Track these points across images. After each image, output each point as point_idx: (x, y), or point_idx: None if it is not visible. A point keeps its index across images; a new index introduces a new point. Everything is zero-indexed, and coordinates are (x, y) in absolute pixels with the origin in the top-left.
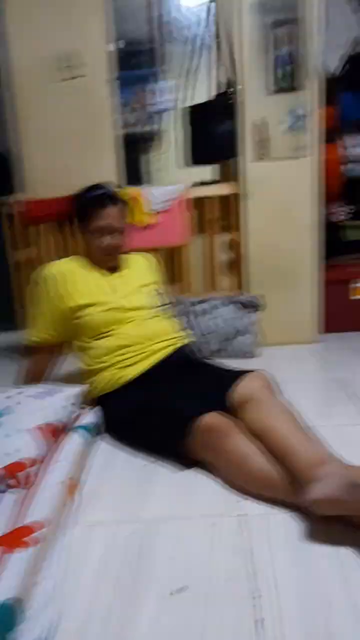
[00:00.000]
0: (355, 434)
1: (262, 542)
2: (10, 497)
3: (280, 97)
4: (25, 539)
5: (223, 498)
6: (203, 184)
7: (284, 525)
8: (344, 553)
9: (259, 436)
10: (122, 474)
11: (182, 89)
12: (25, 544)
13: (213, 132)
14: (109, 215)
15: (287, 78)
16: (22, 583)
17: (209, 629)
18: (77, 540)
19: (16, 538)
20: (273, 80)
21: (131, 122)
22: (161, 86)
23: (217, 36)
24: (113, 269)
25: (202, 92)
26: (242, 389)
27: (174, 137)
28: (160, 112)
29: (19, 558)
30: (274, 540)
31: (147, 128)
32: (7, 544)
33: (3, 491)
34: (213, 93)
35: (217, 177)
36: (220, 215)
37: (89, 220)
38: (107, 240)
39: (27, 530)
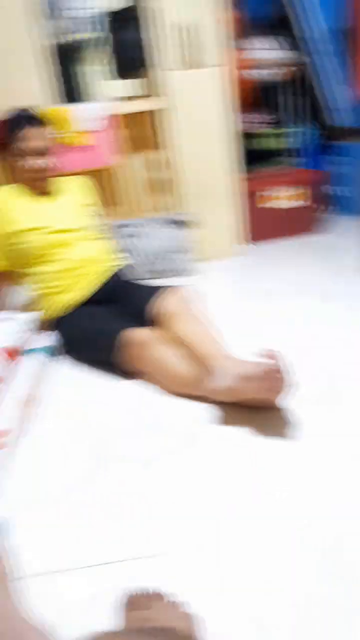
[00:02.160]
0: (266, 329)
1: None
2: None
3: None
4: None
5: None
6: (129, 98)
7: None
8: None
9: (176, 343)
10: (76, 389)
11: None
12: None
13: (133, 39)
14: (31, 135)
15: None
16: None
17: None
18: (38, 444)
19: None
20: None
21: (61, 30)
22: None
23: None
24: (48, 193)
25: None
26: (158, 304)
27: (101, 46)
28: (90, 18)
29: None
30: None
31: (77, 37)
32: None
33: None
34: None
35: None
36: (145, 133)
37: (12, 144)
38: (30, 161)
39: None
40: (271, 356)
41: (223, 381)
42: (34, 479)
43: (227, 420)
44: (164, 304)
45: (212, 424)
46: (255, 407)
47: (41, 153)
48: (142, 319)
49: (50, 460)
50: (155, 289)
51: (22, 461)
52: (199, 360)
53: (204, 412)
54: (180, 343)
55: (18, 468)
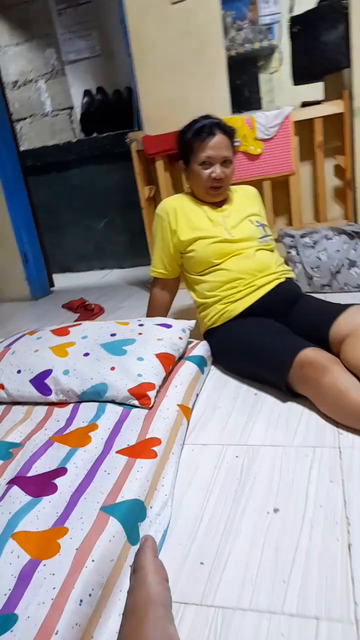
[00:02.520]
0: None
1: (357, 474)
2: (135, 414)
3: None
4: (153, 448)
5: (323, 430)
6: (306, 104)
7: None
8: None
9: (357, 370)
10: (229, 401)
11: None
12: (154, 454)
13: (318, 42)
14: (218, 144)
15: None
16: (148, 486)
17: (299, 548)
18: (188, 458)
19: (144, 447)
20: None
21: (238, 41)
22: None
23: None
24: (218, 203)
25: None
26: (343, 323)
27: (279, 54)
28: (271, 27)
29: (147, 464)
30: None
31: (256, 46)
32: (136, 452)
33: (129, 409)
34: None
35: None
36: (326, 139)
37: (195, 151)
38: (217, 170)
39: (152, 441)
40: None
41: None
42: (178, 500)
43: None
44: (349, 324)
45: None
46: None
47: (228, 162)
48: (318, 337)
49: (195, 483)
50: (334, 306)
51: (170, 475)
52: None
53: None
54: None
55: (165, 481)
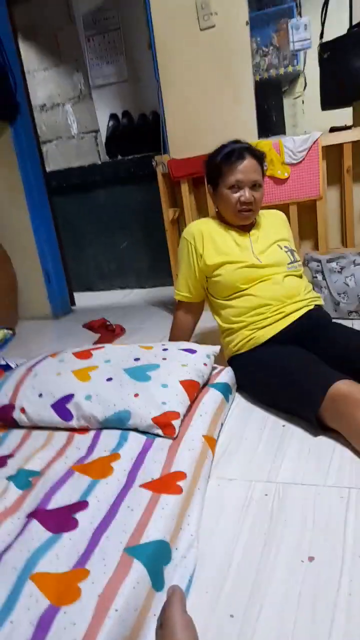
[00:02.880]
0: None
1: None
2: (159, 444)
3: None
4: (179, 483)
5: (358, 468)
6: (334, 129)
7: None
8: None
9: None
10: (255, 432)
11: (317, 25)
12: (179, 489)
13: (348, 68)
14: (248, 168)
15: None
16: (173, 525)
17: (338, 605)
18: (214, 494)
19: (170, 482)
20: None
21: (263, 67)
22: (295, 24)
23: None
24: (246, 227)
25: (338, 27)
26: None
27: (305, 79)
28: (296, 53)
29: (172, 501)
30: None
31: (280, 71)
32: (161, 487)
33: (153, 439)
34: (346, 27)
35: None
36: (355, 164)
37: (225, 176)
38: (246, 194)
39: (177, 475)
40: None
41: None
42: (204, 541)
43: None
44: None
45: None
46: None
47: (257, 186)
48: (349, 368)
49: (221, 523)
50: None
51: (196, 513)
52: None
53: None
54: None
55: (191, 519)
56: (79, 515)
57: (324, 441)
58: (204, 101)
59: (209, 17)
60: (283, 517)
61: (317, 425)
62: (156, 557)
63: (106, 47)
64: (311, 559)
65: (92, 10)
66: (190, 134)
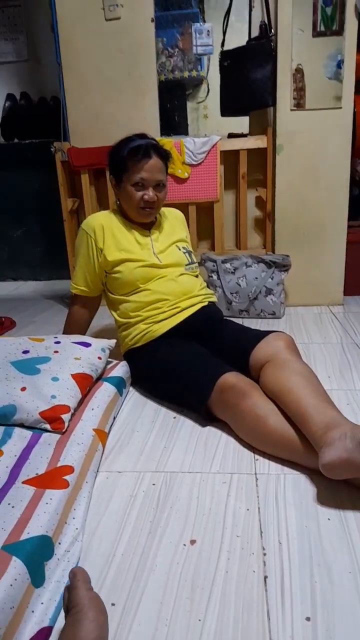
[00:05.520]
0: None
1: (272, 501)
2: (46, 439)
3: (320, 41)
4: (65, 477)
5: (240, 456)
6: (232, 135)
7: (295, 485)
8: (349, 516)
9: (276, 397)
10: (147, 425)
11: (220, 34)
12: (65, 483)
13: (246, 79)
14: (153, 167)
15: (327, 21)
16: (57, 520)
17: (215, 584)
18: (102, 487)
19: (55, 476)
20: (312, 22)
21: (168, 68)
22: (199, 28)
23: None
24: (148, 225)
25: (238, 37)
26: (264, 349)
27: (208, 85)
28: (198, 57)
29: (57, 495)
30: (284, 500)
31: (184, 74)
32: (46, 482)
33: (40, 434)
34: (246, 38)
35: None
36: (250, 171)
37: (130, 172)
38: (149, 193)
39: (64, 470)
40: None
41: (339, 452)
42: (90, 533)
43: (339, 501)
44: (268, 350)
45: (322, 502)
46: None
47: (161, 186)
48: (238, 362)
49: (108, 514)
50: (255, 332)
51: (83, 506)
52: (302, 422)
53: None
54: (278, 395)
55: (77, 513)
56: None
57: (211, 431)
58: (108, 92)
59: (115, 8)
60: (169, 505)
61: (205, 416)
62: (36, 553)
63: (5, 22)
64: (193, 542)
65: None
66: (92, 124)
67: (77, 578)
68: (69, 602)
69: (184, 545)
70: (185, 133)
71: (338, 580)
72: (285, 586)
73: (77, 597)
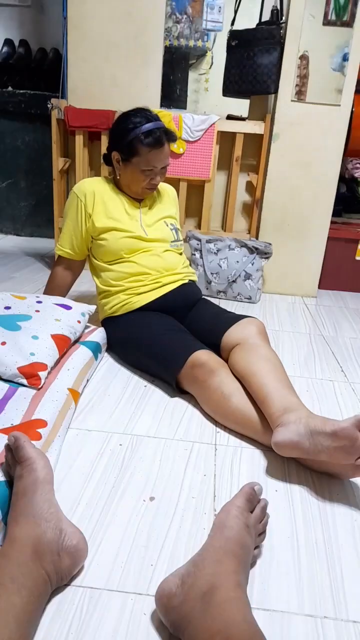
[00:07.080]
0: (330, 388)
1: (228, 470)
2: (22, 393)
3: (329, 30)
4: (39, 430)
5: (203, 427)
6: (231, 117)
7: (250, 458)
8: (295, 488)
9: (242, 377)
10: (119, 390)
11: (231, 12)
12: (38, 435)
13: (252, 62)
14: (165, 154)
15: (339, 10)
16: None
17: (169, 536)
18: (72, 443)
19: (29, 428)
20: (324, 10)
21: (174, 34)
22: (211, 3)
23: None
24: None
25: (249, 18)
26: (236, 332)
27: (212, 57)
28: (206, 32)
29: None
30: (238, 470)
31: (190, 43)
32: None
33: (16, 387)
34: (257, 21)
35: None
36: (244, 155)
37: (142, 159)
38: (157, 178)
39: (38, 423)
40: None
41: (291, 435)
42: (57, 483)
43: (288, 476)
44: (240, 334)
45: (271, 475)
46: (327, 474)
47: (165, 168)
48: (211, 341)
49: (76, 467)
50: (230, 315)
51: (53, 459)
52: (262, 403)
53: (259, 458)
54: (243, 376)
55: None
56: None
57: (179, 402)
58: (112, 54)
59: None
60: (133, 465)
61: (175, 388)
62: (7, 498)
63: None
64: (152, 499)
65: None
66: (92, 85)
67: (24, 439)
68: (19, 459)
69: (144, 500)
70: (184, 105)
71: (277, 542)
72: None
73: (27, 453)
